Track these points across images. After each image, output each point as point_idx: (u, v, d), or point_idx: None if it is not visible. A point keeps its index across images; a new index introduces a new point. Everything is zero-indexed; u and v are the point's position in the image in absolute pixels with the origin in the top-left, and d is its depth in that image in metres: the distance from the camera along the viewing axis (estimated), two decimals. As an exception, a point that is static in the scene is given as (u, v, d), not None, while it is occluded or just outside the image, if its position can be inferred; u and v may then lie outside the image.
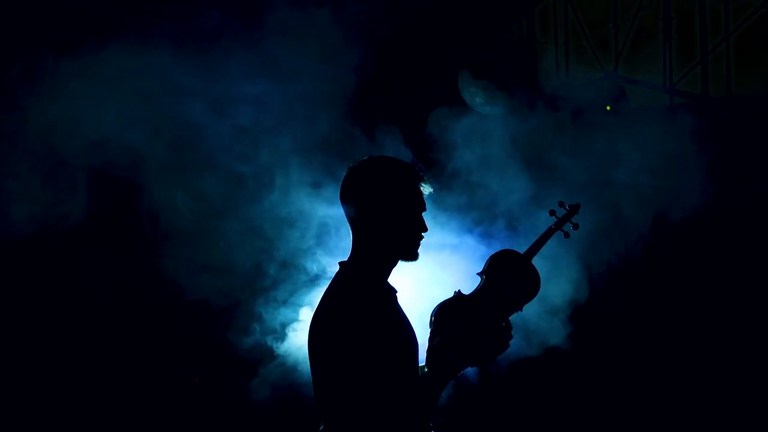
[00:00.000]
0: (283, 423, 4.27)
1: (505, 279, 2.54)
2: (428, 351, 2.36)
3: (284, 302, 3.77)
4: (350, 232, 2.38)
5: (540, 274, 2.61)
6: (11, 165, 3.67)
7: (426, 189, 2.39)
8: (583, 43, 6.44)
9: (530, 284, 2.58)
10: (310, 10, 3.76)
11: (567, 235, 2.83)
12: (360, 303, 2.22)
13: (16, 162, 3.67)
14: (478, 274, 2.61)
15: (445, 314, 2.44)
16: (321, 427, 2.29)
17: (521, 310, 2.54)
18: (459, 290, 2.53)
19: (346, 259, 2.37)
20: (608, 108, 5.80)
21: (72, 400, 4.89)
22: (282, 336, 3.80)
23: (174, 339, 5.01)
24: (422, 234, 2.38)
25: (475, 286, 2.58)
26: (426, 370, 2.35)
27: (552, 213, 2.84)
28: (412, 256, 2.37)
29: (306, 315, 3.51)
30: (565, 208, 2.83)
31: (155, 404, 5.00)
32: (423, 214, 2.40)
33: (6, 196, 3.61)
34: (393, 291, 2.36)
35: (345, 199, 2.36)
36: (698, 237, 5.32)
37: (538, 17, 6.61)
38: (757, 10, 5.66)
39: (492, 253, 2.66)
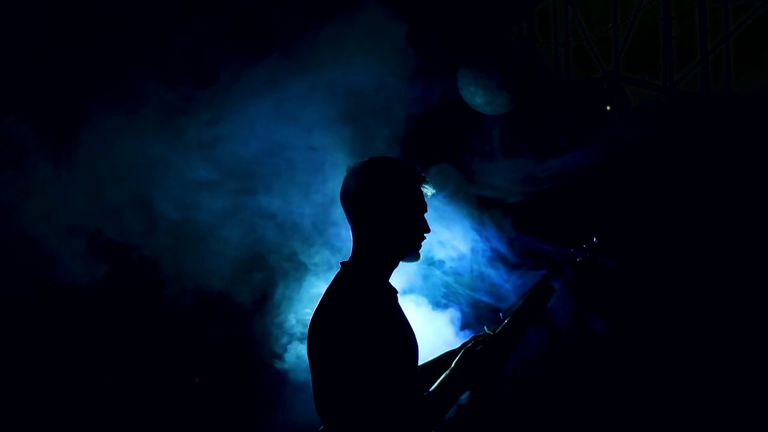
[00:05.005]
0: (283, 423, 4.27)
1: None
2: (445, 383, 2.28)
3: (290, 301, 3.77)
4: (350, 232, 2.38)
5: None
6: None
7: (428, 190, 2.39)
8: (583, 43, 6.44)
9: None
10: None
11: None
12: (360, 303, 2.22)
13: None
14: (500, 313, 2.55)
15: (477, 359, 2.31)
16: (320, 428, 2.30)
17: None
18: (490, 331, 2.42)
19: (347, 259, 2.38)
20: (608, 108, 5.80)
21: (72, 400, 4.88)
22: (283, 335, 3.80)
23: (174, 339, 5.01)
24: (424, 235, 2.38)
25: (500, 327, 2.44)
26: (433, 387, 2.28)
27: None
28: (414, 256, 2.38)
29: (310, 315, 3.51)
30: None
31: (155, 404, 4.99)
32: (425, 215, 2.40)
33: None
34: (393, 291, 2.37)
35: (346, 199, 2.36)
36: (698, 237, 5.32)
37: (538, 17, 6.61)
38: (757, 10, 5.66)
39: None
